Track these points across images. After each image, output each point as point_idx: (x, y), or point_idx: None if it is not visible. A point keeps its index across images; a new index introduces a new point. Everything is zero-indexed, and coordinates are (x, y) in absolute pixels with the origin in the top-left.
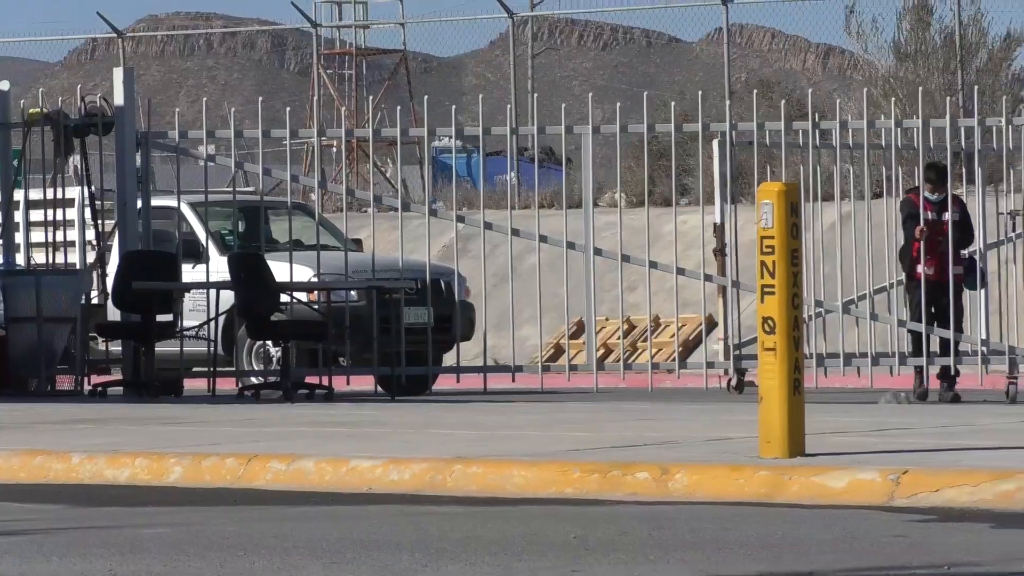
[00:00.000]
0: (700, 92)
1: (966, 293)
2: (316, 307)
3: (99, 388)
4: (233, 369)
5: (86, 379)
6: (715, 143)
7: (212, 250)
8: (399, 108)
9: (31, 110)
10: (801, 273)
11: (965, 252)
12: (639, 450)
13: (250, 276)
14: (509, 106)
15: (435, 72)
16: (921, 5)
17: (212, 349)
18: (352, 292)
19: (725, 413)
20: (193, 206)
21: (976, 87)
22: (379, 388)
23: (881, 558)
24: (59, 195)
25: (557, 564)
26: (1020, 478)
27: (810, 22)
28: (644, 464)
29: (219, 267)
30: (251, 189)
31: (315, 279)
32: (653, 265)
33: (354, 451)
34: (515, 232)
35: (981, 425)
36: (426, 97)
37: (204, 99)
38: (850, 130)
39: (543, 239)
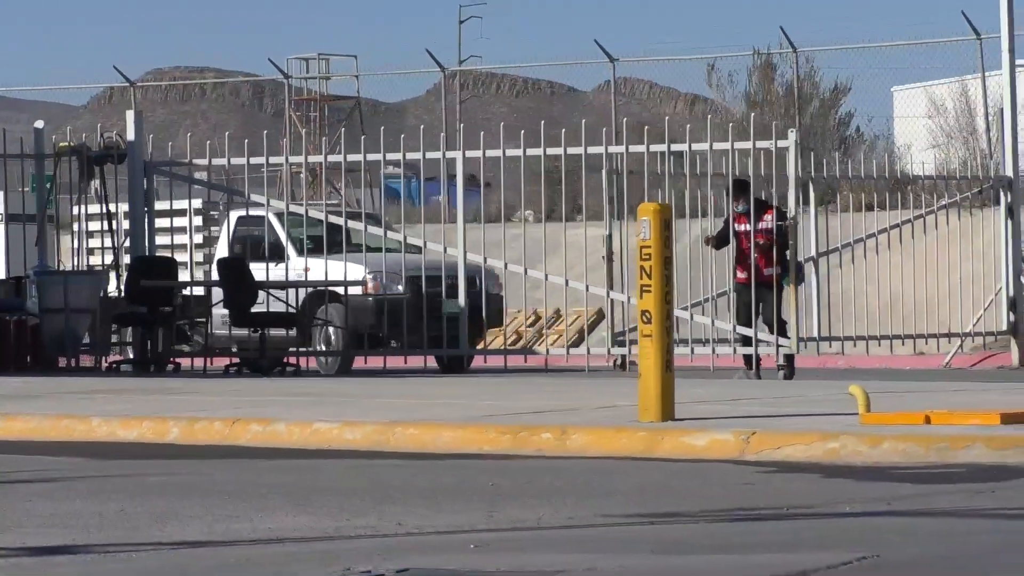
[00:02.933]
0: (604, 129)
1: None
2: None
3: (114, 365)
4: (218, 349)
5: (104, 358)
6: (604, 172)
7: (291, 251)
8: (337, 139)
9: (60, 144)
10: (672, 275)
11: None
12: (543, 415)
13: (235, 276)
14: (414, 132)
15: (383, 114)
16: (767, 64)
17: (206, 333)
18: (399, 286)
19: (612, 387)
20: (278, 215)
21: (811, 133)
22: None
23: (734, 501)
24: (83, 211)
25: (479, 506)
26: (843, 438)
27: (680, 76)
28: (547, 426)
29: (296, 266)
30: (335, 202)
31: (369, 276)
32: (561, 279)
33: (317, 416)
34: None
35: (811, 397)
36: (383, 129)
37: (194, 136)
38: (711, 161)
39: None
